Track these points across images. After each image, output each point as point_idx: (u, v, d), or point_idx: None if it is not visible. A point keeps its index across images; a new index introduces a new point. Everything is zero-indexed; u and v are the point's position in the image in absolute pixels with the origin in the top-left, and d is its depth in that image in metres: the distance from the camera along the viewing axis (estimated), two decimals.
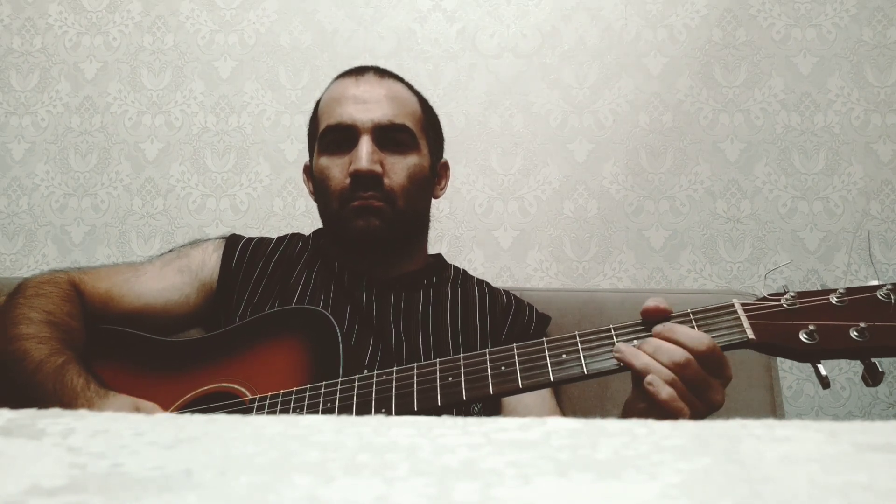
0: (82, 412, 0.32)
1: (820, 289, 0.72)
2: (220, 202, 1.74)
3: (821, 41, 1.69)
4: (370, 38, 1.76)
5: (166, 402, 0.87)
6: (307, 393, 0.80)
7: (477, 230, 1.69)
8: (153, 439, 0.28)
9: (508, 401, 0.99)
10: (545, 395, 0.99)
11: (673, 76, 1.70)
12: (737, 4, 1.71)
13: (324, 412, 0.77)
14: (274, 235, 1.13)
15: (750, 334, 0.70)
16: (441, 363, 0.76)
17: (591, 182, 1.69)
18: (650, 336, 0.71)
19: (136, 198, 1.75)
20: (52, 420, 0.30)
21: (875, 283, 0.70)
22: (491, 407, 0.99)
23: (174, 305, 1.02)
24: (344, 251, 1.05)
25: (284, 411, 0.80)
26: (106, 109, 1.79)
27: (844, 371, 1.59)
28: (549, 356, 0.73)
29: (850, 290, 0.70)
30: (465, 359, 0.76)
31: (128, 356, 0.95)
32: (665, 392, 0.67)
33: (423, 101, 1.09)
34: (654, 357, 0.68)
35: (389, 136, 1.00)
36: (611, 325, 0.73)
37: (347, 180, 0.99)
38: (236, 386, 0.86)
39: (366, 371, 0.82)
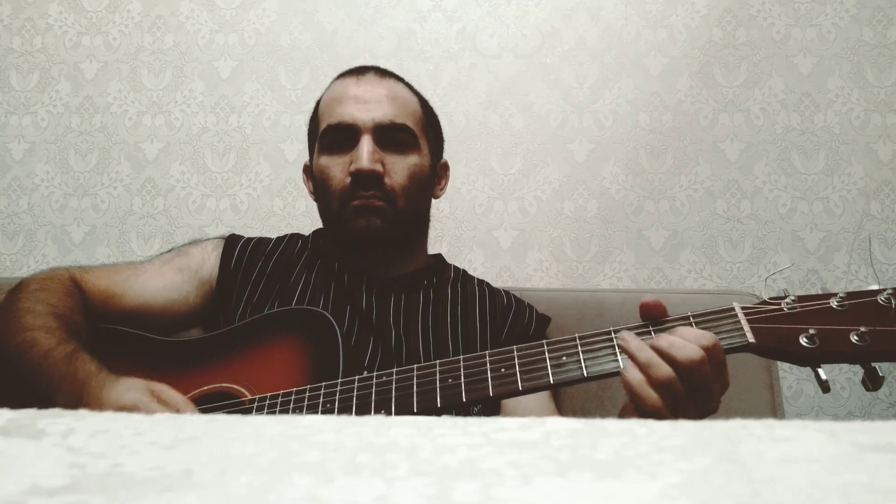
0: (82, 412, 0.32)
1: (820, 292, 0.72)
2: (220, 202, 1.74)
3: (821, 41, 1.69)
4: (370, 38, 1.76)
5: None
6: (307, 393, 0.80)
7: (477, 230, 1.69)
8: (153, 439, 0.28)
9: (507, 402, 0.99)
10: (544, 397, 0.99)
11: (673, 76, 1.70)
12: (737, 4, 1.71)
13: (323, 413, 0.77)
14: (274, 235, 1.13)
15: (750, 338, 0.70)
16: (441, 364, 0.76)
17: (591, 182, 1.69)
18: (650, 337, 0.70)
19: (136, 198, 1.75)
20: (52, 420, 0.30)
21: (876, 287, 0.70)
22: (490, 408, 0.99)
23: (173, 304, 1.02)
24: (344, 251, 1.05)
25: (284, 411, 0.80)
26: (106, 109, 1.79)
27: (844, 371, 1.59)
28: (549, 358, 0.73)
29: (850, 295, 0.70)
30: (464, 360, 0.76)
31: (127, 356, 0.95)
32: (652, 399, 0.66)
33: (423, 102, 1.09)
34: (667, 352, 0.66)
35: (390, 136, 1.00)
36: (611, 329, 0.73)
37: (348, 180, 0.99)
38: (236, 386, 0.86)
39: (365, 372, 0.82)
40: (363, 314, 0.99)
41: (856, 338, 0.67)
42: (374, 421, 0.31)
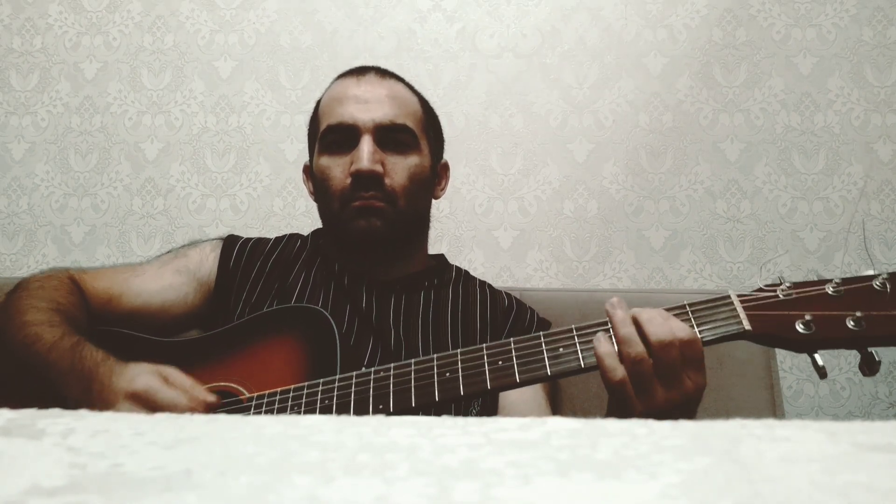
0: (82, 412, 0.32)
1: (816, 279, 0.72)
2: (220, 202, 1.74)
3: (821, 41, 1.69)
4: (370, 38, 1.76)
5: None
6: (304, 391, 0.80)
7: (477, 230, 1.69)
8: (153, 439, 0.28)
9: (504, 404, 0.98)
10: (541, 401, 0.98)
11: (673, 76, 1.70)
12: (737, 4, 1.71)
13: (321, 410, 0.77)
14: (274, 235, 1.13)
15: (746, 325, 0.70)
16: (438, 358, 0.76)
17: (591, 182, 1.69)
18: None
19: (136, 198, 1.75)
20: (52, 420, 0.30)
21: (871, 272, 0.70)
22: (490, 408, 0.99)
23: (172, 305, 1.03)
24: (344, 252, 1.05)
25: (282, 409, 0.80)
26: (106, 109, 1.79)
27: (844, 371, 1.59)
28: (546, 350, 0.73)
29: (846, 280, 0.70)
30: (462, 354, 0.76)
31: (126, 357, 0.95)
32: (620, 373, 0.68)
33: (423, 102, 1.09)
34: (644, 327, 0.69)
35: (390, 137, 1.00)
36: (607, 319, 0.73)
37: (348, 180, 0.98)
38: (234, 385, 0.86)
39: (363, 370, 0.82)
40: (363, 314, 0.99)
41: (852, 323, 0.67)
42: (374, 421, 0.31)
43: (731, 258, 1.65)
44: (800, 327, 0.68)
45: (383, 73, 1.06)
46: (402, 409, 0.74)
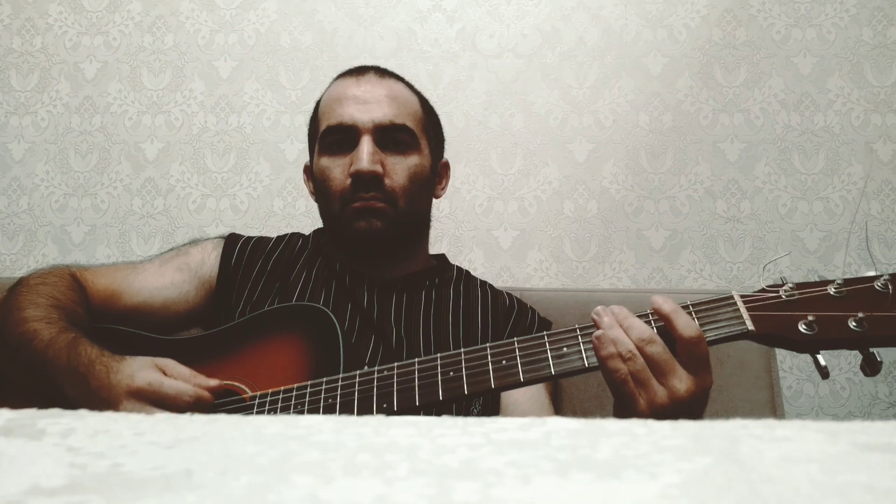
0: (82, 412, 0.32)
1: (818, 280, 0.72)
2: (220, 202, 1.74)
3: (821, 41, 1.69)
4: (370, 38, 1.76)
5: None
6: (308, 389, 0.80)
7: (477, 230, 1.69)
8: (153, 439, 0.28)
9: (507, 403, 0.98)
10: (544, 401, 0.98)
11: (673, 76, 1.70)
12: (737, 4, 1.71)
13: (325, 408, 0.77)
14: (274, 235, 1.13)
15: (749, 325, 0.70)
16: (442, 358, 0.76)
17: (591, 182, 1.69)
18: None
19: (136, 198, 1.75)
20: (52, 420, 0.30)
21: (873, 273, 0.70)
22: (490, 408, 0.99)
23: (173, 303, 1.03)
24: (345, 252, 1.05)
25: (285, 408, 0.80)
26: (106, 109, 1.79)
27: (844, 371, 1.59)
28: (550, 349, 0.73)
29: (848, 281, 0.70)
30: (465, 353, 0.76)
31: (127, 355, 0.95)
32: (622, 372, 0.68)
33: (423, 101, 1.09)
34: (626, 328, 0.69)
35: (390, 137, 1.00)
36: None
37: (348, 181, 0.98)
38: (236, 383, 0.86)
39: (366, 368, 0.82)
40: (364, 312, 0.99)
41: (854, 324, 0.67)
42: (374, 421, 0.31)
43: (731, 258, 1.65)
44: (802, 328, 0.68)
45: (383, 72, 1.06)
46: (406, 407, 0.74)
